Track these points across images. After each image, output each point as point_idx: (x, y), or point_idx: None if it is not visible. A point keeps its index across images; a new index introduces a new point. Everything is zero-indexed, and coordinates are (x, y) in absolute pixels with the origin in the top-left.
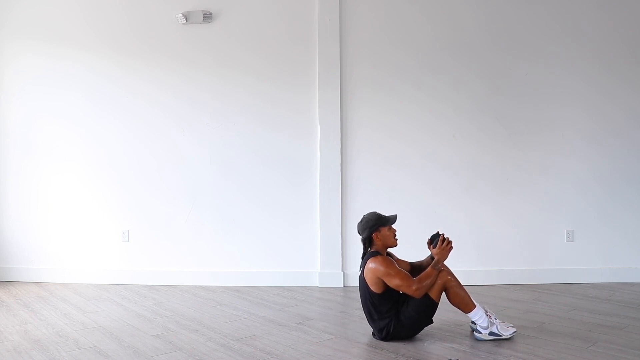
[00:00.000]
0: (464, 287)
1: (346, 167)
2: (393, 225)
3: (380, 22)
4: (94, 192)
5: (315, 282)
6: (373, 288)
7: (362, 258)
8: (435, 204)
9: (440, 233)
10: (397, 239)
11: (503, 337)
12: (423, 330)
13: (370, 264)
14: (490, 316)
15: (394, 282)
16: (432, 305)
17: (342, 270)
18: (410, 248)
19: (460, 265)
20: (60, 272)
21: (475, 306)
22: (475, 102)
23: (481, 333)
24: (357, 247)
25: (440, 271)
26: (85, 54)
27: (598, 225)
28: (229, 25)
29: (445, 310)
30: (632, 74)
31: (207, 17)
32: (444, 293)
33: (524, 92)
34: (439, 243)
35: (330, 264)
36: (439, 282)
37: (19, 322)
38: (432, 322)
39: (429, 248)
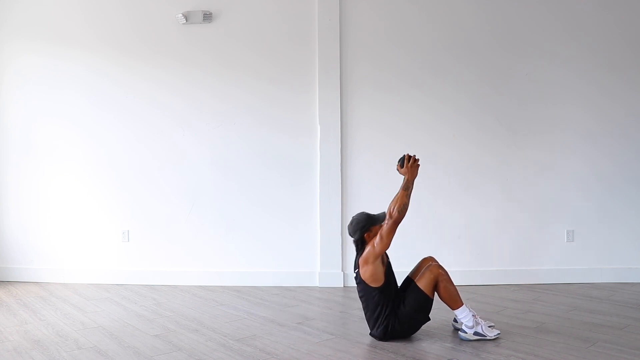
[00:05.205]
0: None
1: (346, 167)
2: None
3: (380, 22)
4: (94, 192)
5: (315, 282)
6: (374, 283)
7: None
8: (435, 204)
9: (407, 154)
10: None
11: (487, 337)
12: (423, 330)
13: (361, 258)
14: (475, 316)
15: (377, 241)
16: (427, 301)
17: (342, 270)
18: (411, 249)
19: (460, 265)
20: (60, 272)
21: (463, 304)
22: (475, 102)
23: (466, 332)
24: None
25: (408, 190)
26: (86, 54)
27: (598, 225)
28: (229, 25)
29: (445, 310)
30: (633, 73)
31: (207, 17)
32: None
33: (525, 91)
34: (405, 162)
35: (330, 264)
36: (431, 276)
37: (19, 322)
38: (429, 319)
39: (398, 170)
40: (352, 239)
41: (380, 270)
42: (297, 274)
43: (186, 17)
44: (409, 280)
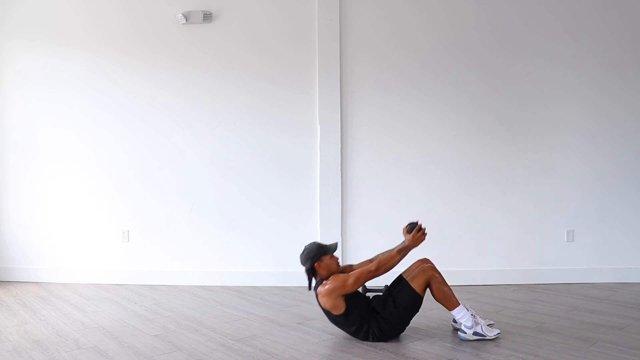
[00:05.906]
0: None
1: (346, 167)
2: (335, 253)
3: (380, 22)
4: (94, 192)
5: None
6: (335, 312)
7: (310, 289)
8: (435, 204)
9: (419, 222)
10: (340, 266)
11: (487, 337)
12: (423, 330)
13: (322, 289)
14: (474, 316)
15: (351, 282)
16: (418, 299)
17: None
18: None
19: (460, 265)
20: (60, 272)
21: (459, 304)
22: (475, 102)
23: (465, 333)
24: (357, 247)
25: (402, 255)
26: (86, 54)
27: (598, 225)
28: (229, 25)
29: (445, 310)
30: (633, 73)
31: (207, 17)
32: (427, 289)
33: (525, 91)
34: (414, 231)
35: None
36: (424, 276)
37: (19, 322)
38: (418, 311)
39: (404, 233)
40: (304, 267)
41: (341, 300)
42: (297, 274)
43: (186, 17)
44: (400, 277)
